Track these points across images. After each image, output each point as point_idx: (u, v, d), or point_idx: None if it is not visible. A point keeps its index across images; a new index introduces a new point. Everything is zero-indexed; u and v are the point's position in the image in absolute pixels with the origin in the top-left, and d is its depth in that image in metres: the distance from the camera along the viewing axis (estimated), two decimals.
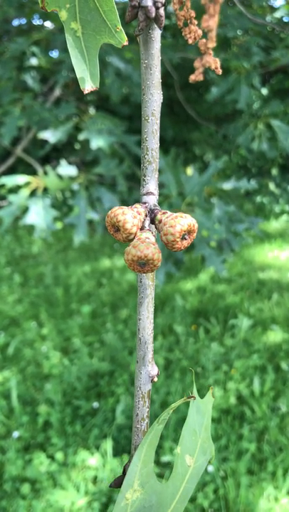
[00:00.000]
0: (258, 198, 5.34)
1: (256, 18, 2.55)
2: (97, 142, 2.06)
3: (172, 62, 2.74)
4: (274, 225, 5.07)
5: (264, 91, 3.78)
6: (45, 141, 3.09)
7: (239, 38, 2.77)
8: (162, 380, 2.30)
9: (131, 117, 3.75)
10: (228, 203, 2.09)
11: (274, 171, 5.04)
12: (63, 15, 0.39)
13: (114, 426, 2.03)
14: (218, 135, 4.14)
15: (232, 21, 2.49)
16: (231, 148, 4.17)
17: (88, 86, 0.41)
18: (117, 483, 0.43)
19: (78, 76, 0.40)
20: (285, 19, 3.44)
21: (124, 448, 1.93)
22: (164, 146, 4.06)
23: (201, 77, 0.71)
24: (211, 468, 1.81)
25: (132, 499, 0.41)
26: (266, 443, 1.94)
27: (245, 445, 1.92)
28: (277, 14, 3.24)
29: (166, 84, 3.59)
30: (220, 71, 0.62)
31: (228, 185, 2.20)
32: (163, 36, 3.49)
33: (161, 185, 2.17)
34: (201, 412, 0.47)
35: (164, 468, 1.83)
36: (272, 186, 5.03)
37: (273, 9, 3.32)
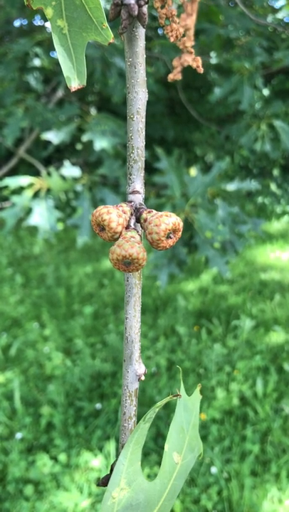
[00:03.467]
0: (260, 199, 5.34)
1: (258, 18, 2.54)
2: (101, 143, 2.06)
3: None
4: (275, 225, 5.07)
5: (265, 92, 3.77)
6: (47, 142, 3.09)
7: (241, 39, 2.77)
8: (165, 382, 2.29)
9: None
10: (231, 204, 2.09)
11: (275, 172, 5.04)
12: (49, 12, 0.39)
13: (118, 427, 2.03)
14: (219, 136, 4.14)
15: (234, 22, 2.48)
16: (233, 149, 4.17)
17: (75, 84, 0.40)
18: (104, 481, 0.43)
19: (65, 74, 0.40)
20: (286, 20, 3.44)
21: None
22: (165, 146, 4.06)
23: (179, 76, 0.70)
24: (214, 470, 1.81)
25: (118, 497, 0.41)
26: (270, 444, 1.94)
27: (248, 446, 1.92)
28: (280, 15, 3.24)
29: (168, 84, 3.58)
30: (201, 70, 0.60)
31: (231, 186, 2.20)
32: (164, 37, 3.49)
33: (164, 187, 2.17)
34: (189, 409, 0.47)
35: None
36: (273, 187, 5.03)
37: (274, 10, 3.32)
